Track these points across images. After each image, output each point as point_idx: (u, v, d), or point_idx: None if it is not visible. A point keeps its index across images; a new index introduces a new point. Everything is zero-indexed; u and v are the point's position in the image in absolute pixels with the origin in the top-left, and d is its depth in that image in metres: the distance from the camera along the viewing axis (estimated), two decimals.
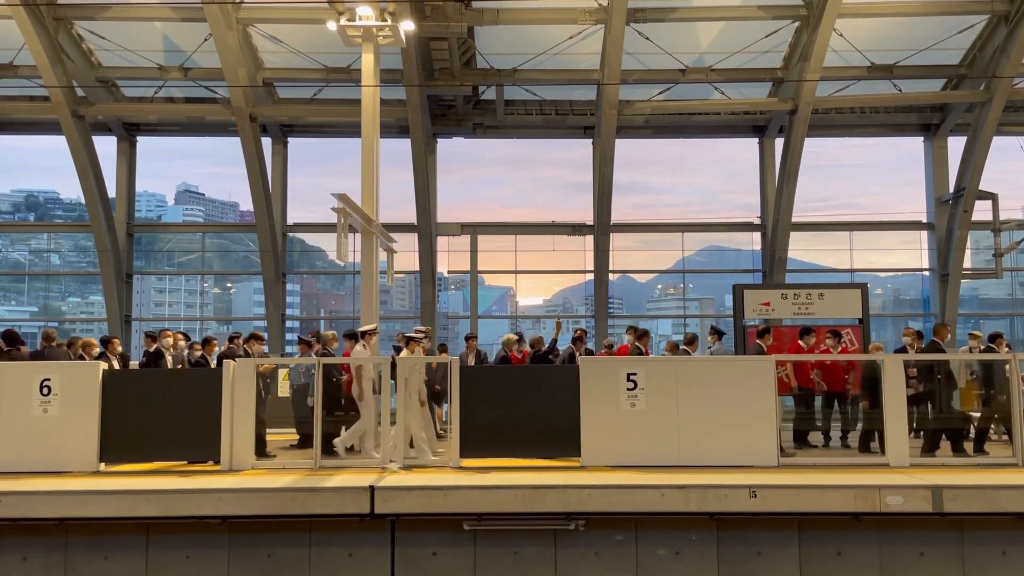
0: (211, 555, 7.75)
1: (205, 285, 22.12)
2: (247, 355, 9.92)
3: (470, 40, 16.76)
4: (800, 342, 10.82)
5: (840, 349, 11.20)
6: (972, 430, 9.79)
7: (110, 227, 17.90)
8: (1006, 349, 10.25)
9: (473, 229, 19.02)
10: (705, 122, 18.81)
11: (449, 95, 17.97)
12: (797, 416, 10.43)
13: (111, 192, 18.55)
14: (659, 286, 25.24)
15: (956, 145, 18.22)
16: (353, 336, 10.75)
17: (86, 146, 17.15)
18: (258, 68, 17.21)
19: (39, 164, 48.48)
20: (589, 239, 18.74)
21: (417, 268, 18.23)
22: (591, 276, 18.61)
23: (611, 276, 18.87)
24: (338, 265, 20.69)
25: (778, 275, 18.04)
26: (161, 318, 24.04)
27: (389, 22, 12.37)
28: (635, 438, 8.61)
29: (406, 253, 17.80)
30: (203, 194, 50.97)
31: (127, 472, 8.52)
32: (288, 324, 19.28)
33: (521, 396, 8.94)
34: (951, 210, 18.09)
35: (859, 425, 10.51)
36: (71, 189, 34.67)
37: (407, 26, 12.87)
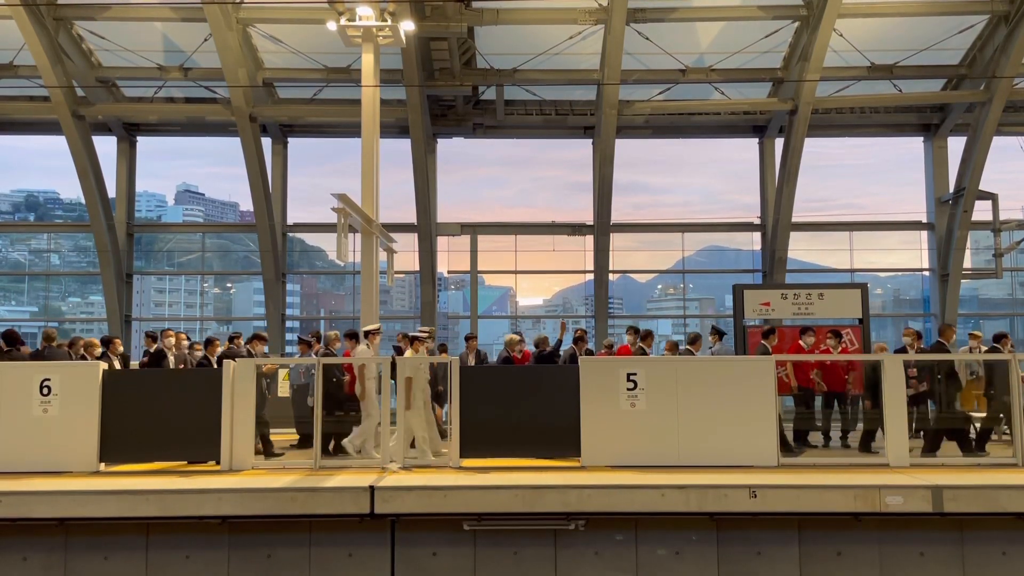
0: (211, 555, 7.75)
1: (205, 285, 22.11)
2: (250, 355, 9.93)
3: (470, 40, 16.76)
4: (800, 342, 10.82)
5: (840, 349, 11.20)
6: (973, 430, 9.79)
7: (110, 227, 17.90)
8: (1010, 349, 10.21)
9: (473, 229, 19.02)
10: (705, 122, 18.81)
11: (449, 95, 17.97)
12: (797, 416, 10.43)
13: (111, 192, 18.55)
14: (659, 286, 25.23)
15: (956, 145, 18.22)
16: (353, 336, 10.76)
17: (86, 146, 17.15)
18: (258, 68, 17.21)
19: (39, 164, 48.55)
20: (589, 239, 18.73)
21: (417, 268, 18.23)
22: (591, 276, 18.61)
23: (611, 276, 18.87)
24: (338, 265, 20.69)
25: (778, 275, 18.04)
26: (161, 318, 24.04)
27: (389, 22, 12.38)
28: (635, 438, 8.61)
29: (406, 253, 17.82)
30: (203, 194, 51.00)
31: (127, 472, 8.53)
32: (288, 324, 19.28)
33: (521, 396, 8.95)
34: (951, 210, 18.09)
35: (859, 425, 10.52)
36: (71, 189, 34.74)
37: (407, 26, 12.88)
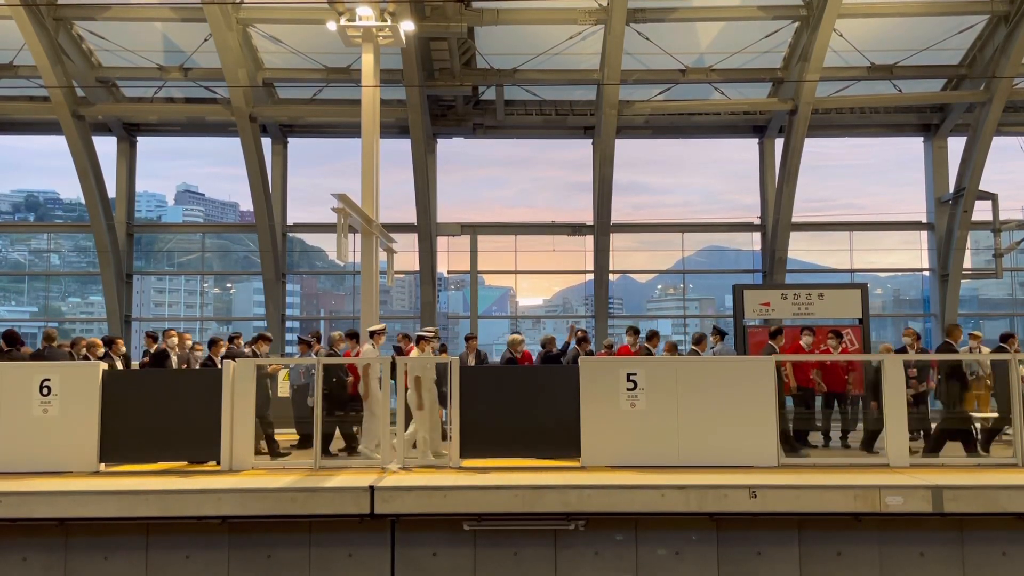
0: (211, 555, 7.76)
1: (205, 285, 22.11)
2: (255, 356, 9.94)
3: (470, 40, 16.76)
4: (800, 342, 10.82)
5: (840, 349, 11.20)
6: (973, 430, 9.78)
7: (110, 227, 17.90)
8: (1016, 349, 10.18)
9: (473, 229, 19.01)
10: (705, 122, 18.81)
11: (449, 95, 17.97)
12: (797, 416, 10.43)
13: (111, 192, 18.54)
14: (659, 286, 25.21)
15: (956, 145, 18.20)
16: (354, 336, 10.76)
17: (86, 146, 17.14)
18: (258, 68, 17.21)
19: (39, 164, 48.45)
20: (589, 239, 18.73)
21: (417, 268, 18.23)
22: (591, 276, 18.61)
23: (611, 276, 18.86)
24: (338, 265, 20.69)
25: (778, 275, 18.04)
26: (161, 318, 24.05)
27: (389, 22, 12.38)
28: (635, 438, 8.61)
29: (406, 253, 17.81)
30: (203, 194, 51.00)
31: (127, 472, 8.53)
32: (288, 324, 19.27)
33: (521, 396, 8.95)
34: (951, 210, 18.08)
35: (859, 425, 10.51)
36: (71, 189, 34.75)
37: (407, 26, 12.88)
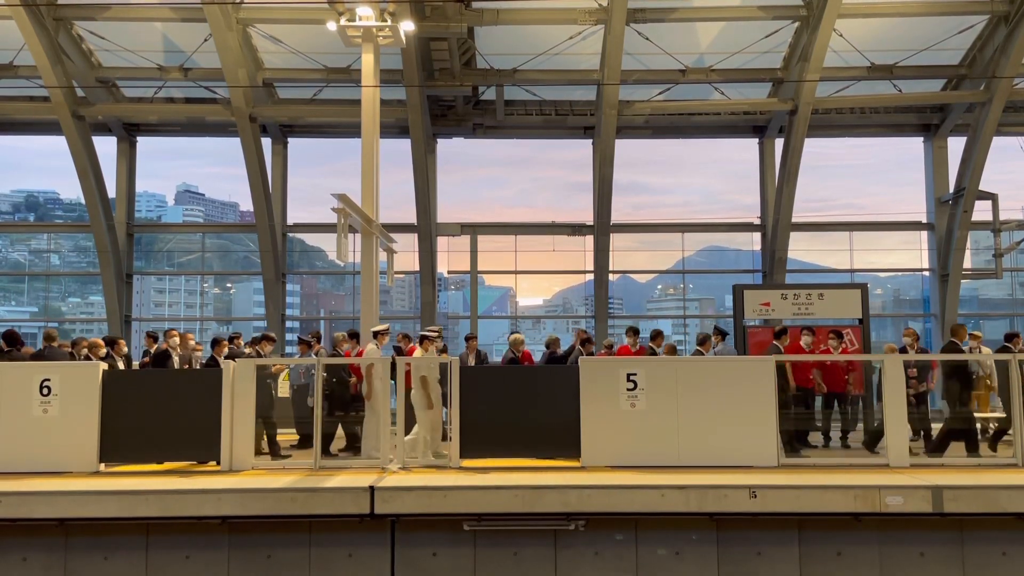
0: (211, 555, 7.75)
1: (205, 285, 22.11)
2: (259, 356, 9.94)
3: (470, 40, 16.76)
4: (800, 342, 10.82)
5: (840, 349, 11.20)
6: (977, 430, 9.78)
7: (110, 227, 17.90)
8: (1020, 348, 10.17)
9: (473, 229, 19.01)
10: (705, 122, 18.81)
11: (449, 95, 17.97)
12: (797, 416, 10.42)
13: (111, 192, 18.54)
14: (659, 286, 25.23)
15: (956, 145, 18.20)
16: (354, 336, 10.76)
17: (86, 146, 17.14)
18: (258, 68, 17.21)
19: (39, 164, 48.47)
20: (589, 239, 18.73)
21: (417, 268, 18.23)
22: (591, 276, 18.61)
23: (611, 276, 18.86)
24: (338, 265, 20.69)
25: (778, 275, 18.04)
26: (161, 318, 24.05)
27: (389, 22, 12.40)
28: (635, 438, 8.61)
29: (406, 253, 17.82)
30: (203, 194, 50.99)
31: (127, 472, 8.53)
32: (288, 324, 19.28)
33: (521, 396, 8.94)
34: (951, 210, 18.08)
35: (859, 425, 10.51)
36: (71, 189, 34.76)
37: (407, 26, 12.89)
